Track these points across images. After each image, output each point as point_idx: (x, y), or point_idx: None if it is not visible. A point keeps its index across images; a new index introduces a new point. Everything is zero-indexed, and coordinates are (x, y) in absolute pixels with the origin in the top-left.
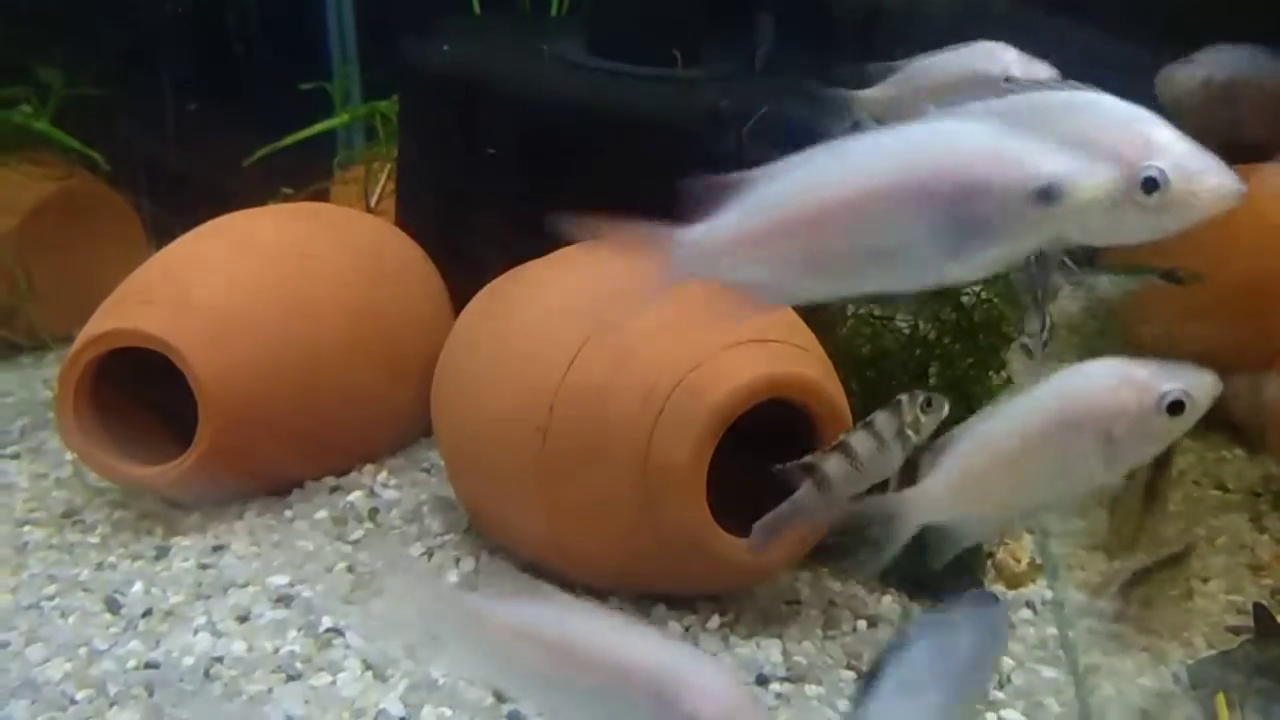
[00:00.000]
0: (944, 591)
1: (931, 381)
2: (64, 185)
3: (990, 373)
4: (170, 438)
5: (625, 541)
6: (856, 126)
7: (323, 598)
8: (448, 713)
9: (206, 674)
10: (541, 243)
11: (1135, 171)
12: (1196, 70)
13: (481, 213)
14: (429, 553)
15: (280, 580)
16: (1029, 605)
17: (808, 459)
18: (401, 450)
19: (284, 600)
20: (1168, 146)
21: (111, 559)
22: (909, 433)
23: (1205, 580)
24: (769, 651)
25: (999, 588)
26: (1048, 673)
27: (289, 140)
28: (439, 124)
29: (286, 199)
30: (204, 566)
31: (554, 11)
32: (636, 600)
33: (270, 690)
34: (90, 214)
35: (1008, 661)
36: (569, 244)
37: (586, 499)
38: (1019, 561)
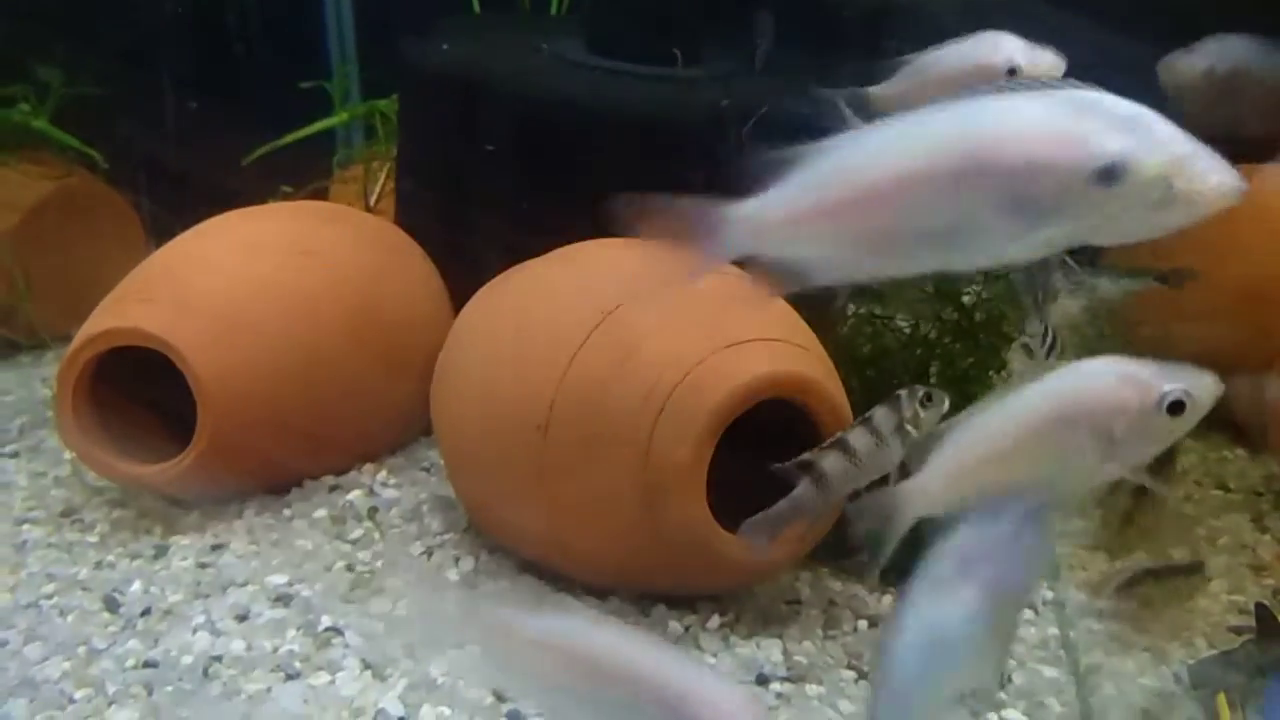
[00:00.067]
0: None
1: (932, 381)
2: (63, 184)
3: (991, 372)
4: (169, 436)
5: (625, 540)
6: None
7: (321, 597)
8: (447, 712)
9: (205, 673)
10: (541, 241)
11: None
12: (1198, 60)
13: (481, 211)
14: (428, 552)
15: (279, 579)
16: (1030, 605)
17: (805, 456)
18: (401, 449)
19: (283, 599)
20: (1168, 144)
21: (110, 558)
22: (908, 428)
23: (1207, 580)
24: (769, 651)
25: None
26: (1049, 673)
27: (288, 139)
28: (438, 123)
29: (286, 198)
30: (203, 565)
31: (554, 10)
32: (636, 600)
33: (269, 689)
34: (89, 213)
35: (1008, 662)
36: (568, 242)
37: (587, 497)
38: None
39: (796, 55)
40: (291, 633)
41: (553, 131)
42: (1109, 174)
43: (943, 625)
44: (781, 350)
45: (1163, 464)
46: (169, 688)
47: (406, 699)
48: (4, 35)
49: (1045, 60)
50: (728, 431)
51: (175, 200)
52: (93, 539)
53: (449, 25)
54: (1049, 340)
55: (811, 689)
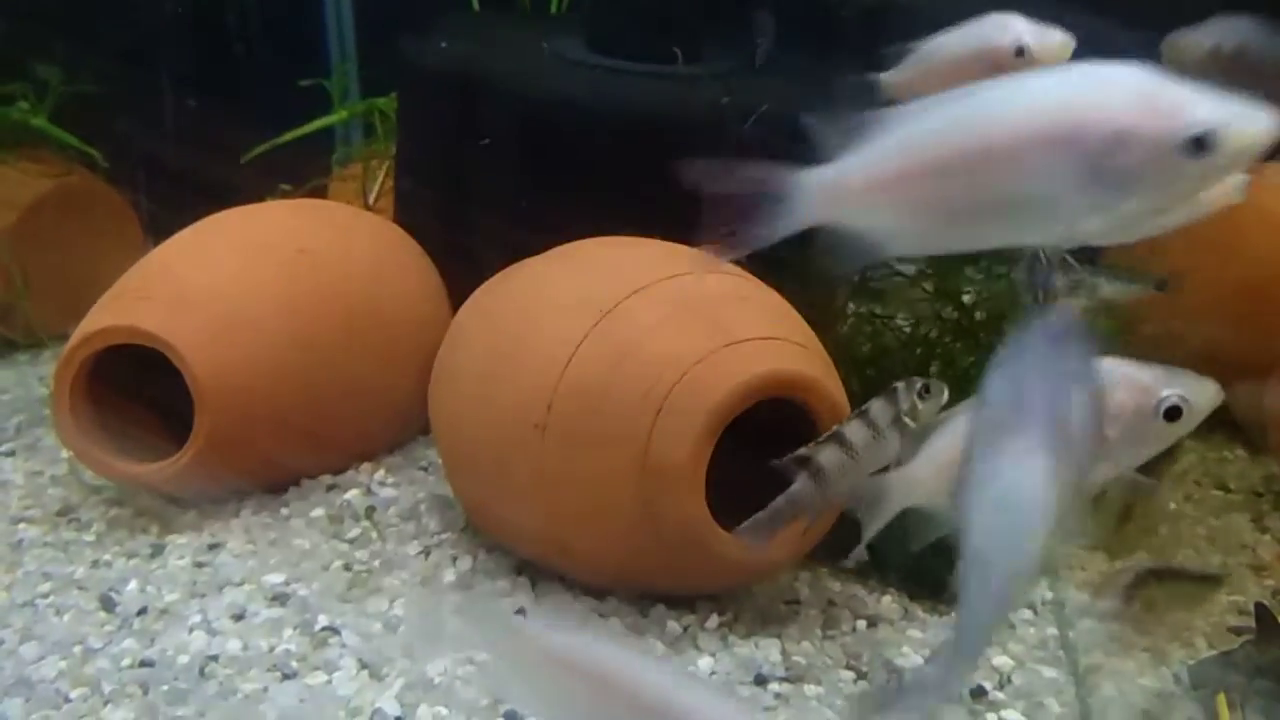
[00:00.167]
0: (945, 593)
1: None
2: (61, 182)
3: None
4: (166, 435)
5: (624, 540)
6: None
7: (318, 596)
8: (444, 712)
9: (201, 672)
10: (540, 239)
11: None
12: (1204, 38)
13: (480, 210)
14: (426, 551)
15: (276, 578)
16: (1029, 605)
17: (801, 451)
18: (399, 448)
19: (279, 598)
20: (1255, 118)
21: (107, 557)
22: (906, 420)
23: (1219, 591)
24: (768, 651)
25: None
26: (1048, 673)
27: (287, 137)
28: (437, 121)
29: (284, 196)
30: (199, 565)
31: (553, 9)
32: (635, 599)
33: (265, 689)
34: (88, 211)
35: (1007, 661)
36: (567, 240)
37: (585, 497)
38: None
39: (797, 53)
40: (288, 632)
41: (552, 130)
42: (1200, 144)
43: (1009, 484)
44: (781, 349)
45: (1159, 463)
46: (165, 687)
47: (403, 699)
48: (3, 34)
49: (1054, 40)
50: (727, 430)
51: (174, 198)
52: (89, 538)
53: (448, 23)
54: None
55: (810, 689)
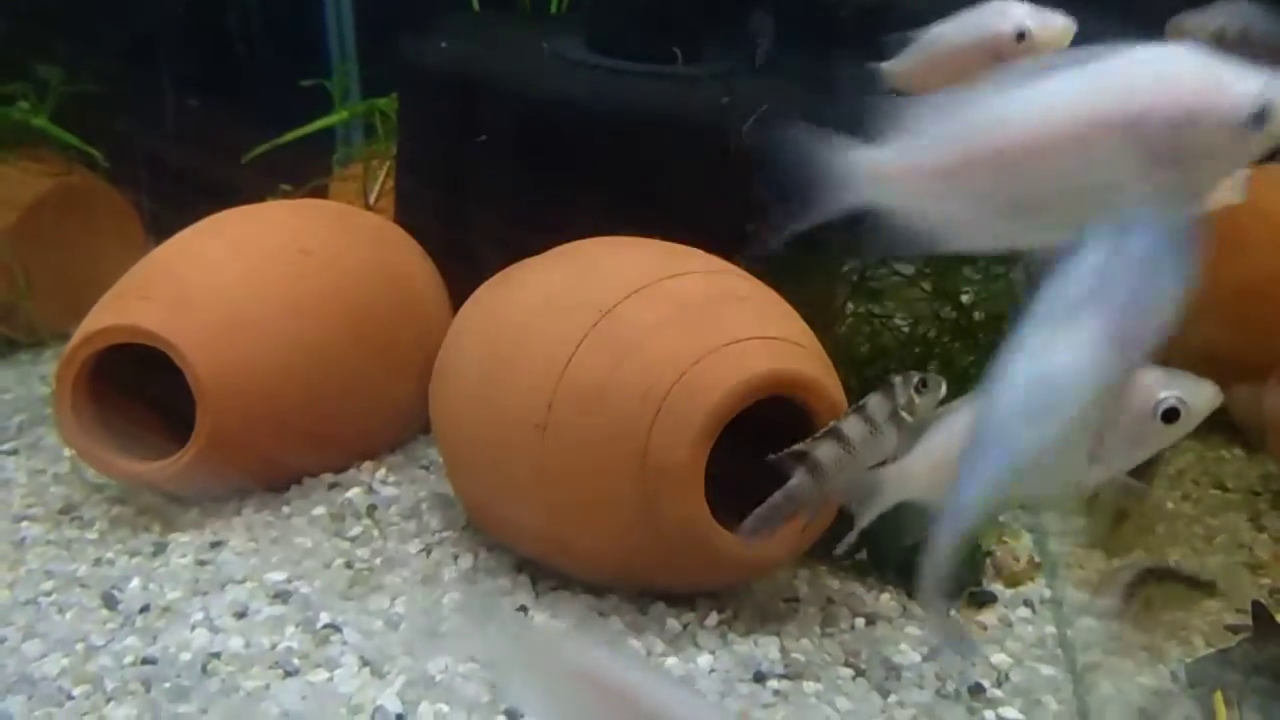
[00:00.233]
0: (942, 590)
1: None
2: (62, 181)
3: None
4: (168, 433)
5: (624, 538)
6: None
7: (320, 594)
8: (445, 709)
9: (204, 670)
10: (540, 239)
11: None
12: (1209, 20)
13: (480, 210)
14: (427, 549)
15: (278, 576)
16: (1027, 603)
17: (798, 446)
18: (400, 447)
19: (281, 596)
20: None
21: (109, 555)
22: (904, 414)
23: (1212, 596)
24: (767, 649)
25: (998, 586)
26: (1046, 670)
27: (288, 137)
28: (438, 121)
29: (285, 196)
30: (202, 563)
31: (553, 9)
32: (635, 597)
33: (267, 686)
34: (89, 210)
35: (1005, 659)
36: (567, 240)
37: (585, 495)
38: (1017, 560)
39: (797, 54)
40: (290, 630)
41: (552, 130)
42: (1260, 118)
43: (1053, 362)
44: (780, 348)
45: (1151, 464)
46: (167, 684)
47: (405, 696)
48: (4, 33)
49: (1056, 24)
50: (727, 429)
51: (175, 198)
52: (91, 536)
53: (448, 24)
54: None
55: (809, 686)
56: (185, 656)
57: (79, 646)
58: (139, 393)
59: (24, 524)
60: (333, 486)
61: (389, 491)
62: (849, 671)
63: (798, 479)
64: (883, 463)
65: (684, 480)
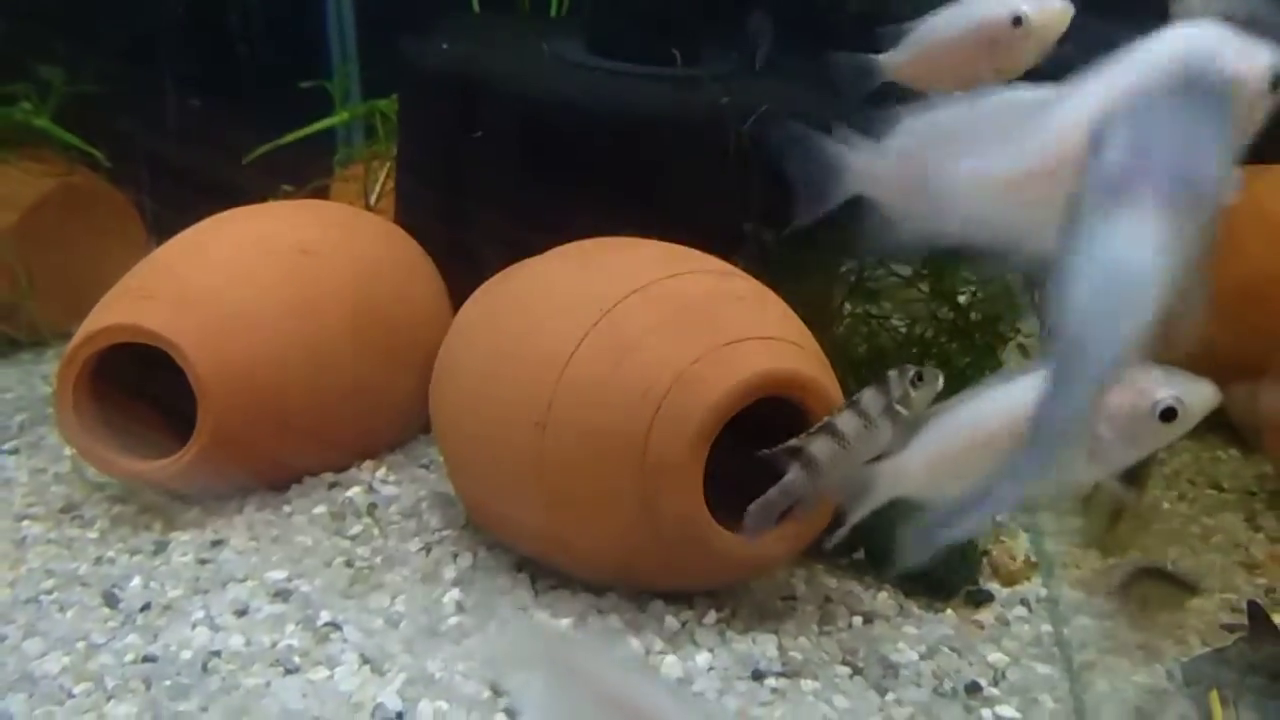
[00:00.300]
0: (942, 590)
1: None
2: (64, 181)
3: (987, 372)
4: (169, 432)
5: (623, 537)
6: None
7: (321, 592)
8: (445, 706)
9: (204, 668)
10: (540, 239)
11: None
12: (1214, 4)
13: (480, 210)
14: (427, 548)
15: (278, 575)
16: (1024, 602)
17: (793, 442)
18: (400, 446)
19: (282, 594)
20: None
21: (110, 553)
22: (899, 409)
23: (1196, 596)
24: (765, 647)
25: (994, 585)
26: (1042, 669)
27: (289, 138)
28: (438, 122)
29: (286, 196)
30: (202, 561)
31: (553, 11)
32: (634, 595)
33: (268, 684)
34: (91, 210)
35: (1002, 658)
36: (567, 240)
37: (585, 494)
38: (1014, 559)
39: (796, 55)
40: (290, 628)
41: (552, 131)
42: (1275, 85)
43: (1116, 250)
44: (778, 348)
45: (1145, 464)
46: (168, 682)
47: (405, 693)
48: (5, 34)
49: (1052, 9)
50: (726, 428)
51: (176, 198)
52: (93, 535)
53: (449, 25)
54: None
55: (807, 684)
56: (186, 654)
57: (80, 645)
58: (140, 392)
59: (25, 523)
60: (333, 485)
61: (389, 490)
62: (846, 670)
63: (792, 474)
64: (878, 457)
65: (683, 479)
